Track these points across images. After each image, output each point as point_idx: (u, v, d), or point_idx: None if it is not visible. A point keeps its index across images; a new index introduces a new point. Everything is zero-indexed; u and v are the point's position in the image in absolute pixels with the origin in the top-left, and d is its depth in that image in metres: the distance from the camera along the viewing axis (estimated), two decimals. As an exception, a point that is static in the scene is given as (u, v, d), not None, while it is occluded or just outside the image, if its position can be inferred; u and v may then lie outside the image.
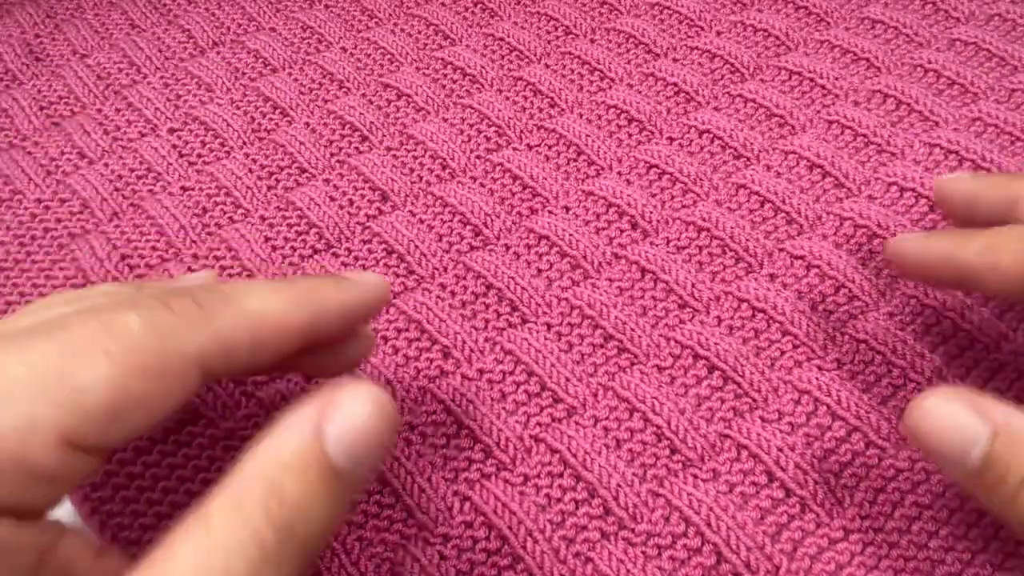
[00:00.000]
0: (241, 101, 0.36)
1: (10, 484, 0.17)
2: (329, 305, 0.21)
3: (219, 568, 0.15)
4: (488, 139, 0.34)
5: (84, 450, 0.17)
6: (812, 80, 0.35)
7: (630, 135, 0.34)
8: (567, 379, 0.27)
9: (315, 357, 0.23)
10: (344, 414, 0.17)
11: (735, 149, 0.33)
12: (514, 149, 0.34)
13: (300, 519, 0.16)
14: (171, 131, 0.35)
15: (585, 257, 0.30)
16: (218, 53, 0.39)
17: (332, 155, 0.34)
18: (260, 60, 0.38)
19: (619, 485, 0.25)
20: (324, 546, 0.17)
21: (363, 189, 0.33)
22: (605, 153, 0.33)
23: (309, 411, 0.17)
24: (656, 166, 0.33)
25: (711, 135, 0.34)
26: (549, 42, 0.38)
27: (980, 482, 0.19)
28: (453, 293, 0.29)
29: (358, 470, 0.17)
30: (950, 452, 0.20)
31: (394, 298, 0.29)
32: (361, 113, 0.35)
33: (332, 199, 0.32)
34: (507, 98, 0.36)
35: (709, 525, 0.24)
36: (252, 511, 0.16)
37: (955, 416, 0.20)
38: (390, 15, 0.40)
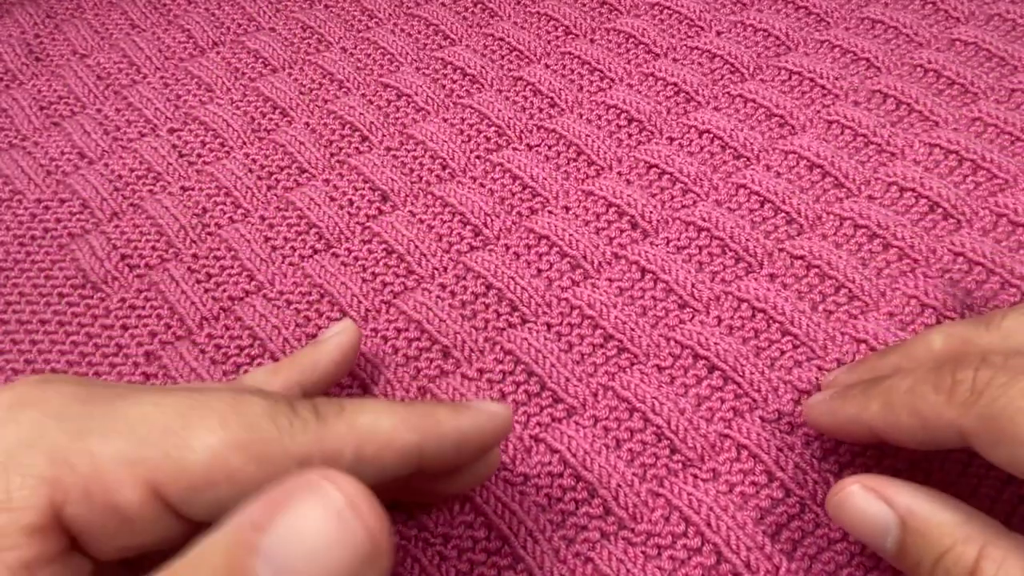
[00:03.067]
0: (241, 101, 0.36)
1: (87, 507, 0.17)
2: (443, 430, 0.20)
3: None
4: (488, 139, 0.34)
5: (165, 506, 0.18)
6: (812, 80, 0.35)
7: (630, 135, 0.34)
8: (567, 379, 0.27)
9: (432, 482, 0.23)
10: (288, 525, 0.13)
11: (735, 149, 0.33)
12: (514, 149, 0.34)
13: None
14: (171, 131, 0.35)
15: (585, 257, 0.30)
16: (218, 53, 0.39)
17: (332, 155, 0.34)
18: (260, 60, 0.38)
19: (619, 485, 0.25)
20: None
21: (363, 189, 0.33)
22: (605, 153, 0.33)
23: (252, 509, 0.14)
24: (656, 166, 0.33)
25: (711, 135, 0.34)
26: (549, 42, 0.38)
27: (902, 564, 0.20)
28: (453, 293, 0.29)
29: None
30: (870, 540, 0.21)
31: (394, 298, 0.29)
32: (361, 113, 0.35)
33: (332, 199, 0.32)
34: (507, 98, 0.36)
35: (709, 525, 0.24)
36: None
37: (866, 507, 0.21)
38: (390, 15, 0.40)
